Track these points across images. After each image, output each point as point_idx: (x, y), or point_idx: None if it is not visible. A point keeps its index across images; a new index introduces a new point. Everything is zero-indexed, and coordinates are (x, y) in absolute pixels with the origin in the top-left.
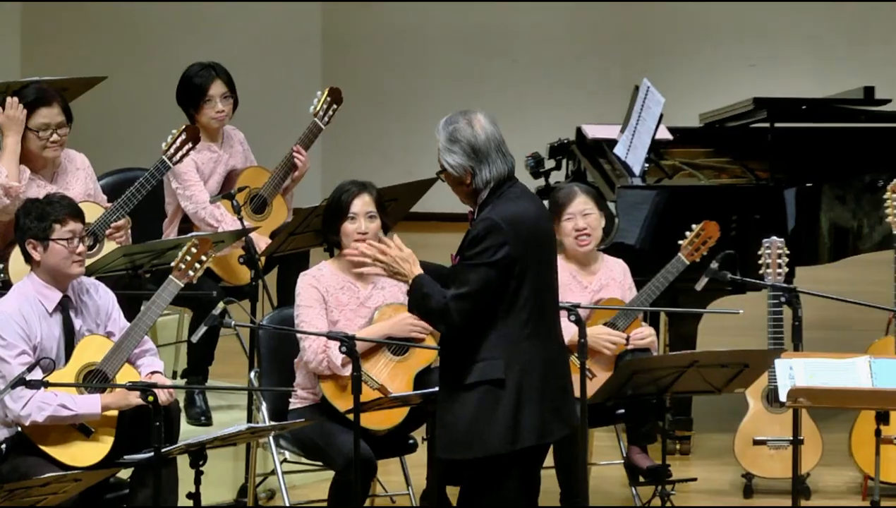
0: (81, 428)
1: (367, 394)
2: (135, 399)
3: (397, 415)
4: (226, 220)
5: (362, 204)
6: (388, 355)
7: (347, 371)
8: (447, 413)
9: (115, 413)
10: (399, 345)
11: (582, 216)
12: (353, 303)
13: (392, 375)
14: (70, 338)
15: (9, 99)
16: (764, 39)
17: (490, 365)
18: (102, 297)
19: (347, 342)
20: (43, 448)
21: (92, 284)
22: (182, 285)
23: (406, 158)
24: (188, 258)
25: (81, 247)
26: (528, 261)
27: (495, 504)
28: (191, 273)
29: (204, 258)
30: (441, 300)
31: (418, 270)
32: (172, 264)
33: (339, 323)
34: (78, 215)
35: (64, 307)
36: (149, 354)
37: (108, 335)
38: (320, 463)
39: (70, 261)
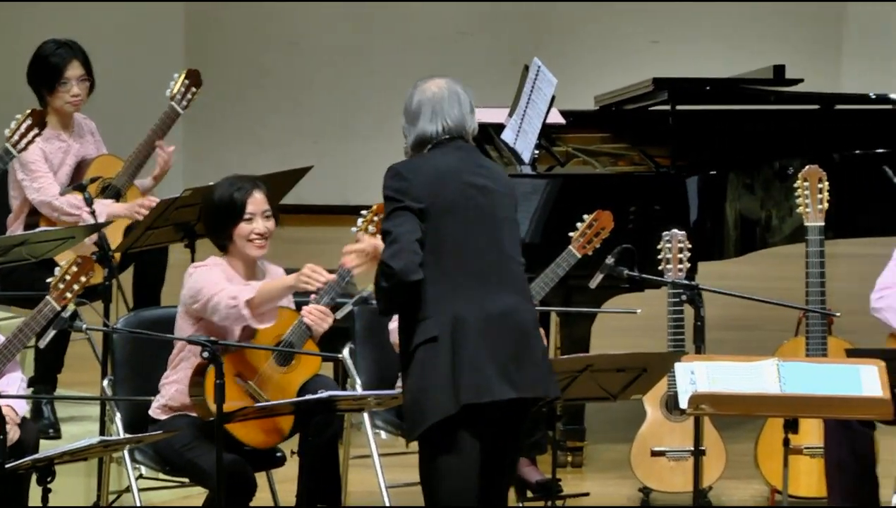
0: None
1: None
2: None
3: (283, 430)
4: (84, 209)
5: (259, 202)
6: (273, 365)
7: (263, 325)
8: (404, 391)
9: None
10: (285, 354)
11: None
12: None
13: (277, 387)
14: None
15: None
16: (667, 13)
17: (425, 325)
18: None
19: (211, 346)
20: None
21: None
22: (59, 308)
23: (282, 144)
24: (67, 278)
25: None
26: (447, 212)
27: (441, 474)
28: (68, 295)
29: (84, 279)
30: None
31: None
32: (50, 282)
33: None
34: None
35: None
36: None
37: None
38: (181, 480)
39: None
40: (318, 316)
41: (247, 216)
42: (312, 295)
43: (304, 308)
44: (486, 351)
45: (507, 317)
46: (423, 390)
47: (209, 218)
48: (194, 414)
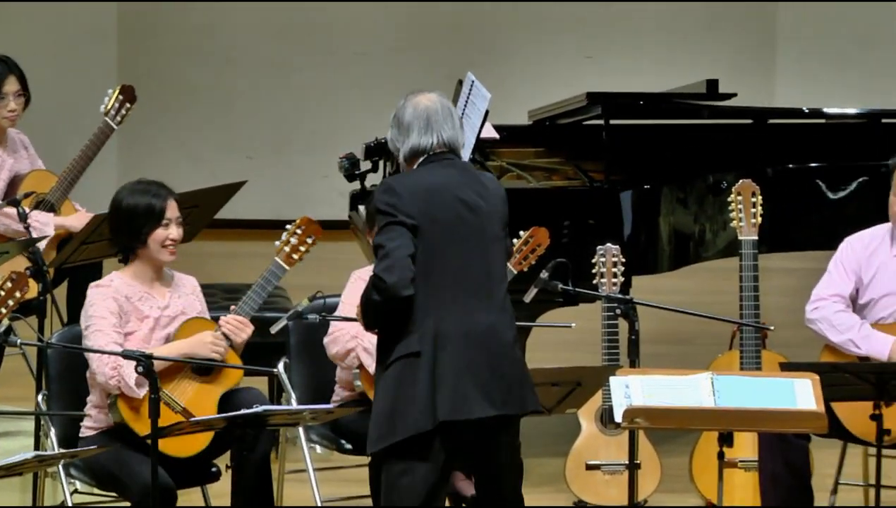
0: None
1: (170, 418)
2: None
3: (201, 441)
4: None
5: (174, 208)
6: (191, 374)
7: (142, 392)
8: (375, 401)
9: None
10: (203, 364)
11: None
12: (154, 313)
13: (196, 397)
14: None
15: None
16: (601, 28)
17: (409, 339)
18: None
19: (145, 361)
20: None
21: None
22: None
23: (216, 159)
24: (1, 293)
25: None
26: (436, 229)
27: (403, 489)
28: (2, 310)
29: (18, 294)
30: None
31: None
32: None
33: (136, 334)
34: None
35: None
36: None
37: None
38: (115, 494)
39: None
40: (235, 326)
41: (164, 222)
42: (232, 307)
43: (222, 318)
44: (467, 368)
45: (489, 335)
46: (398, 404)
47: (124, 221)
48: (122, 423)
